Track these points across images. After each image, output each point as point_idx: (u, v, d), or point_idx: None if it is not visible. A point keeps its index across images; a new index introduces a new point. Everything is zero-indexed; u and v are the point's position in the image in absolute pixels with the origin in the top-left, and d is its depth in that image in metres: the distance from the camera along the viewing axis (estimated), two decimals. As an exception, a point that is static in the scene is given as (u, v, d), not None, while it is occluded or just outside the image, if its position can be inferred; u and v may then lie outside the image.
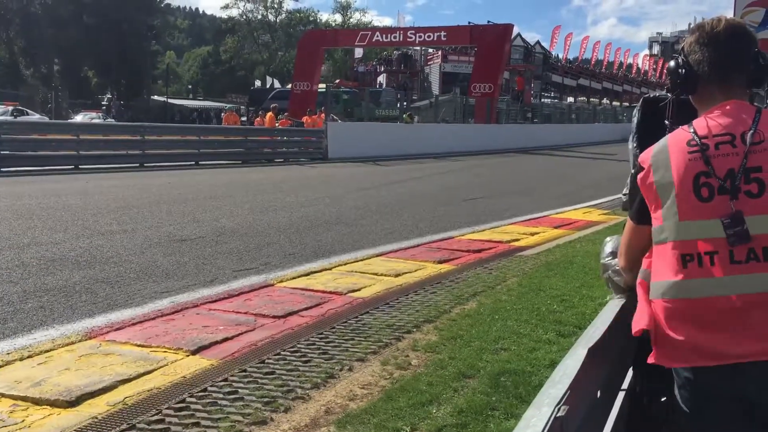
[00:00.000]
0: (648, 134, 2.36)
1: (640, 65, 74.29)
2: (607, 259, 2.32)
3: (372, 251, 7.83)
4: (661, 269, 1.75)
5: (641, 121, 2.48)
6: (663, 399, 2.19)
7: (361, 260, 7.32)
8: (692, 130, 1.76)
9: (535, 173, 21.41)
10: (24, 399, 3.55)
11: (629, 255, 2.01)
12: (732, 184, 1.67)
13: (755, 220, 1.66)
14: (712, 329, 1.67)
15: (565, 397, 1.38)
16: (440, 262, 7.34)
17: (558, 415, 1.30)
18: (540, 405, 1.35)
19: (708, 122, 1.76)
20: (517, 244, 8.68)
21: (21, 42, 54.46)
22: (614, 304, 2.19)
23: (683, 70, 1.84)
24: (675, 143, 1.77)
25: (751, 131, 1.70)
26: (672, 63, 1.89)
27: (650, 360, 1.80)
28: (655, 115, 2.32)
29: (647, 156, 1.81)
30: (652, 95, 2.41)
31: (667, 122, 1.99)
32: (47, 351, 4.27)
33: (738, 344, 1.65)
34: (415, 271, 6.88)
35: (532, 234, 9.51)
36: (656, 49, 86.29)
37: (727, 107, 1.77)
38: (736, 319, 1.66)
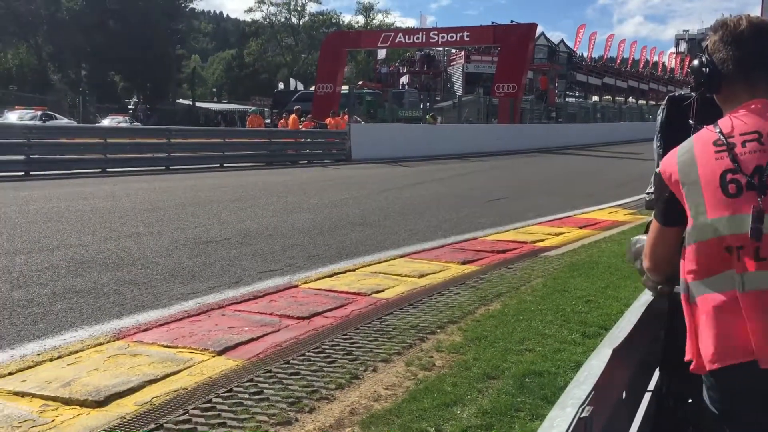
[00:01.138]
0: (673, 133, 2.33)
1: (666, 63, 73.52)
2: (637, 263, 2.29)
3: (396, 252, 7.84)
4: (699, 268, 1.73)
5: (666, 119, 2.45)
6: (690, 401, 2.17)
7: (385, 261, 7.33)
8: (718, 130, 1.74)
9: (559, 173, 21.27)
10: (54, 399, 3.61)
11: (654, 256, 1.98)
12: (760, 180, 1.65)
13: None
14: (745, 324, 1.65)
15: (590, 397, 1.37)
16: (464, 263, 7.33)
17: (582, 415, 1.29)
18: (564, 405, 1.34)
19: (734, 121, 1.73)
20: (541, 244, 8.64)
21: (49, 47, 55.40)
22: (640, 304, 2.17)
23: (707, 69, 1.81)
24: (701, 143, 1.75)
25: None
26: (696, 62, 1.86)
27: (693, 368, 1.76)
28: (681, 114, 2.30)
29: (673, 157, 1.79)
30: (677, 94, 2.38)
31: (691, 122, 1.97)
32: (76, 352, 4.34)
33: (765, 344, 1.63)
34: (439, 272, 6.88)
35: (557, 234, 9.45)
36: (683, 46, 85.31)
37: (753, 106, 1.74)
38: (761, 317, 1.63)
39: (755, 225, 1.62)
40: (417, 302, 5.67)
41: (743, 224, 1.64)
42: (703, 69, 1.83)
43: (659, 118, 2.46)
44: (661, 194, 1.85)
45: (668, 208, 1.82)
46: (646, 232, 2.06)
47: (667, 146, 2.32)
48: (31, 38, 54.88)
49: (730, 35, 1.80)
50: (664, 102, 2.44)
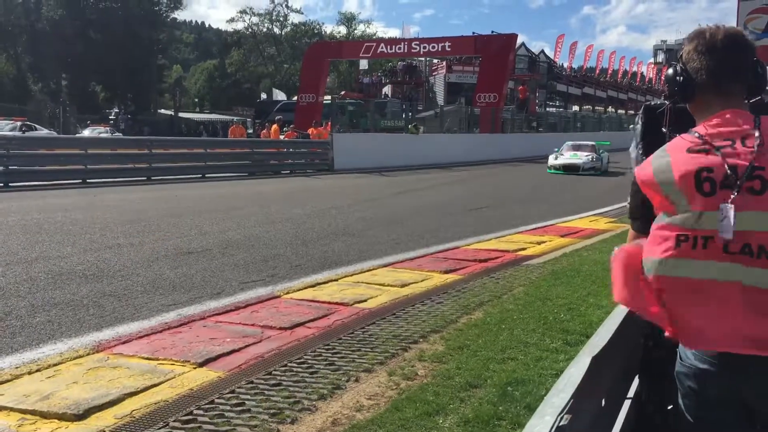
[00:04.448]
0: (651, 141, 2.36)
1: (645, 73, 74.44)
2: None
3: (378, 262, 7.84)
4: (653, 248, 1.75)
5: (644, 128, 2.48)
6: (669, 407, 2.19)
7: (368, 271, 7.32)
8: (696, 135, 1.76)
9: (540, 182, 21.39)
10: (32, 413, 3.57)
11: None
12: (734, 179, 1.66)
13: (755, 216, 1.65)
14: (694, 309, 1.68)
15: (569, 405, 1.38)
16: (446, 272, 7.34)
17: (561, 424, 1.30)
18: (543, 414, 1.35)
19: (708, 130, 1.76)
20: (523, 253, 8.67)
21: (28, 58, 54.89)
22: (619, 312, 2.18)
23: (681, 78, 1.84)
24: (675, 150, 1.77)
25: (755, 137, 1.70)
26: (670, 71, 1.89)
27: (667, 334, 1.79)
28: (657, 123, 2.33)
29: (648, 165, 1.81)
30: (653, 103, 2.42)
31: (664, 130, 1.99)
32: (55, 364, 4.29)
33: (716, 331, 1.66)
34: (422, 281, 6.88)
35: (539, 243, 9.50)
36: (661, 56, 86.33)
37: (726, 116, 1.77)
38: (718, 305, 1.66)
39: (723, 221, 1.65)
40: (400, 312, 5.67)
41: (713, 221, 1.66)
42: (678, 78, 1.85)
43: (637, 127, 2.49)
44: (637, 203, 1.88)
45: (644, 217, 1.85)
46: None
47: (646, 154, 2.35)
48: (11, 48, 54.40)
49: (704, 45, 1.82)
50: (641, 111, 2.47)
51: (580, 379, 1.51)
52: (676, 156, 1.74)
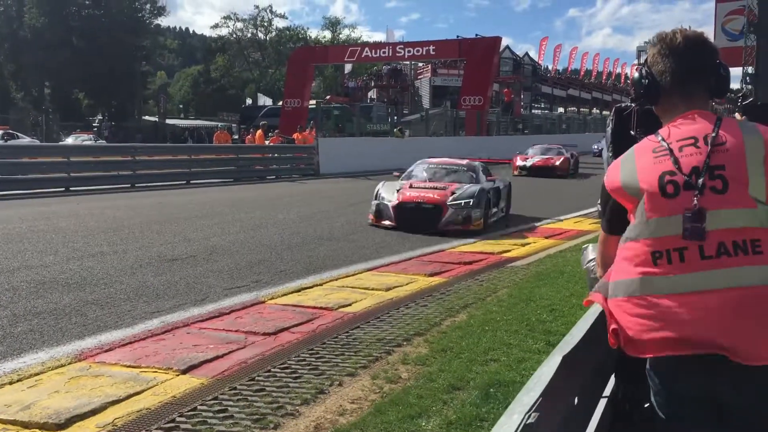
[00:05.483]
0: (623, 142, 2.39)
1: (629, 74, 75.07)
2: (589, 265, 2.35)
3: (363, 266, 7.85)
4: (628, 267, 1.77)
5: (615, 129, 2.51)
6: (646, 405, 2.21)
7: (353, 275, 7.33)
8: (659, 138, 1.80)
9: (526, 183, 21.48)
10: (13, 423, 3.55)
11: (605, 264, 2.04)
12: (697, 179, 1.69)
13: (722, 214, 1.67)
14: (682, 324, 1.68)
15: (537, 404, 1.39)
16: (431, 275, 7.36)
17: (528, 422, 1.32)
18: (512, 412, 1.37)
19: (671, 130, 1.80)
20: (507, 255, 8.72)
21: (11, 66, 54.50)
22: (593, 312, 2.21)
23: (646, 81, 1.88)
24: (641, 152, 1.81)
25: (713, 134, 1.74)
26: (636, 74, 1.93)
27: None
28: (628, 124, 2.36)
29: (615, 167, 1.85)
30: (623, 104, 2.45)
31: (632, 132, 2.03)
32: (37, 374, 4.26)
33: (704, 337, 1.66)
34: (406, 284, 6.90)
35: (523, 245, 9.55)
36: (644, 57, 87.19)
37: (690, 116, 1.81)
38: (707, 315, 1.67)
39: (690, 224, 1.67)
40: (384, 315, 5.69)
41: (680, 225, 1.68)
42: (643, 81, 1.89)
43: (608, 128, 2.52)
44: (605, 204, 1.91)
45: (612, 217, 1.88)
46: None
47: (617, 155, 2.38)
48: (-8, 56, 54.03)
49: (667, 48, 1.86)
50: (612, 113, 2.50)
51: (550, 379, 1.53)
52: (641, 161, 1.78)
